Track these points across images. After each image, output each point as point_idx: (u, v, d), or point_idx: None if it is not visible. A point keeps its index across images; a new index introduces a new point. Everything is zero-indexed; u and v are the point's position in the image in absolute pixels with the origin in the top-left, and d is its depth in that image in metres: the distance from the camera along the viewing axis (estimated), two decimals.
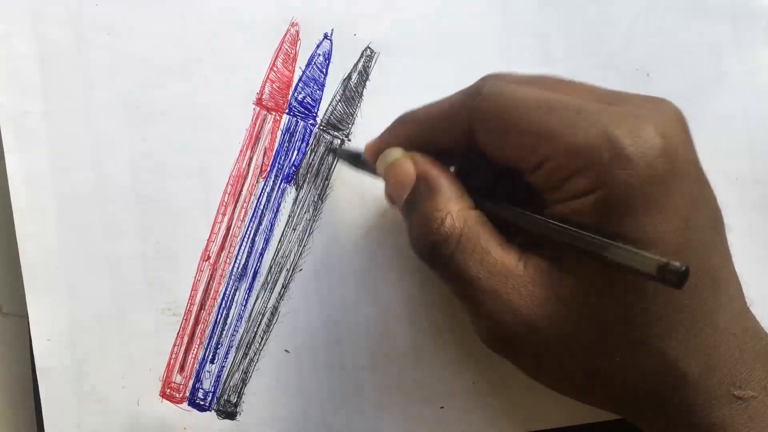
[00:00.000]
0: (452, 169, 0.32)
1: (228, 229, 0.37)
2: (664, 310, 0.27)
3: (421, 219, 0.30)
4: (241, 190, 0.37)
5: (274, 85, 0.37)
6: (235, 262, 0.37)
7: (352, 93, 0.38)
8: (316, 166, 0.38)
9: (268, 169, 0.37)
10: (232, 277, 0.37)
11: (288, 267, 0.37)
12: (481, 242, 0.29)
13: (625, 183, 0.26)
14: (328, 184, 0.38)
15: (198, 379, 0.37)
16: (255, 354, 0.37)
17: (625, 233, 0.26)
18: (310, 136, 0.38)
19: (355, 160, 0.36)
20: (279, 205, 0.38)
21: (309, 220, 0.38)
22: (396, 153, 0.32)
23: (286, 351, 0.37)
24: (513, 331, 0.28)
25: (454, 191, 0.30)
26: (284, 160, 0.38)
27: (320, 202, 0.38)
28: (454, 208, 0.29)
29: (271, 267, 0.37)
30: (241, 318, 0.37)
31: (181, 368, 0.37)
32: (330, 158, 0.38)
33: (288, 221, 0.38)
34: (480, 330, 0.30)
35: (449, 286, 0.30)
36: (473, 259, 0.29)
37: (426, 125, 0.31)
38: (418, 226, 0.30)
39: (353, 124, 0.38)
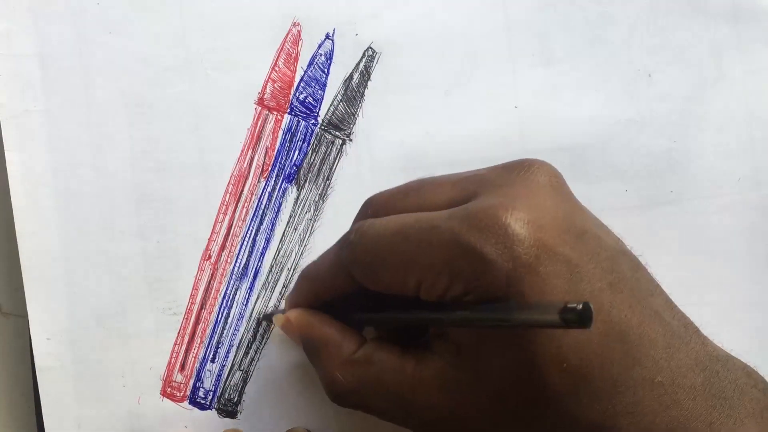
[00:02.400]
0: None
1: (229, 228, 0.37)
2: (574, 391, 0.27)
3: (319, 374, 0.32)
4: (242, 190, 0.37)
5: (275, 85, 0.37)
6: (236, 261, 0.37)
7: (353, 93, 0.38)
8: (317, 165, 0.38)
9: (270, 168, 0.37)
10: (233, 276, 0.37)
11: (289, 267, 0.37)
12: (374, 380, 0.30)
13: (491, 284, 0.26)
14: (329, 184, 0.38)
15: (199, 378, 0.37)
16: (256, 353, 0.37)
17: None
18: (311, 136, 0.38)
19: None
20: (280, 204, 0.38)
21: (310, 219, 0.38)
22: (279, 317, 0.34)
23: None
24: (433, 427, 0.30)
25: (334, 343, 0.31)
26: (285, 159, 0.38)
27: (321, 201, 0.38)
28: (337, 365, 0.31)
29: (272, 266, 0.37)
30: (242, 317, 0.37)
31: (182, 367, 0.37)
32: (331, 157, 0.38)
33: (289, 221, 0.38)
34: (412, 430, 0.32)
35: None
36: (374, 398, 0.30)
37: (319, 281, 0.33)
38: (320, 379, 0.32)
39: (354, 124, 0.38)
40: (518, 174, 0.29)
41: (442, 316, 0.28)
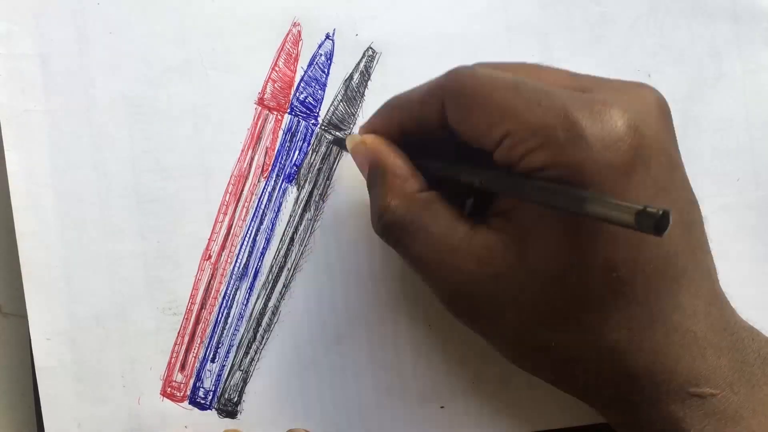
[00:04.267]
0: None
1: (229, 228, 0.37)
2: (612, 305, 0.27)
3: (374, 202, 0.32)
4: (242, 190, 0.37)
5: (275, 85, 0.37)
6: (236, 261, 0.37)
7: (353, 93, 0.38)
8: (317, 165, 0.38)
9: (270, 168, 0.37)
10: (233, 276, 0.37)
11: (289, 266, 0.37)
12: (425, 224, 0.30)
13: (579, 164, 0.26)
14: (329, 184, 0.38)
15: (199, 378, 0.37)
16: (256, 353, 0.37)
17: None
18: (311, 135, 0.38)
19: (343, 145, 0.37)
20: (280, 204, 0.38)
21: (310, 219, 0.38)
22: (355, 138, 0.33)
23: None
24: (462, 295, 0.30)
25: (401, 176, 0.31)
26: (286, 159, 0.38)
27: (321, 201, 0.38)
28: (398, 195, 0.31)
29: (272, 266, 0.37)
30: (242, 317, 0.37)
31: (182, 367, 0.37)
32: (331, 157, 0.38)
33: (289, 221, 0.38)
34: (436, 293, 0.31)
35: (404, 261, 0.32)
36: (418, 241, 0.30)
37: (407, 108, 0.32)
38: (373, 208, 0.32)
39: (354, 124, 0.38)
40: (635, 88, 0.29)
41: (519, 182, 0.28)
